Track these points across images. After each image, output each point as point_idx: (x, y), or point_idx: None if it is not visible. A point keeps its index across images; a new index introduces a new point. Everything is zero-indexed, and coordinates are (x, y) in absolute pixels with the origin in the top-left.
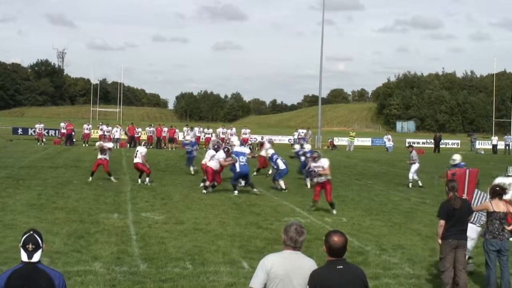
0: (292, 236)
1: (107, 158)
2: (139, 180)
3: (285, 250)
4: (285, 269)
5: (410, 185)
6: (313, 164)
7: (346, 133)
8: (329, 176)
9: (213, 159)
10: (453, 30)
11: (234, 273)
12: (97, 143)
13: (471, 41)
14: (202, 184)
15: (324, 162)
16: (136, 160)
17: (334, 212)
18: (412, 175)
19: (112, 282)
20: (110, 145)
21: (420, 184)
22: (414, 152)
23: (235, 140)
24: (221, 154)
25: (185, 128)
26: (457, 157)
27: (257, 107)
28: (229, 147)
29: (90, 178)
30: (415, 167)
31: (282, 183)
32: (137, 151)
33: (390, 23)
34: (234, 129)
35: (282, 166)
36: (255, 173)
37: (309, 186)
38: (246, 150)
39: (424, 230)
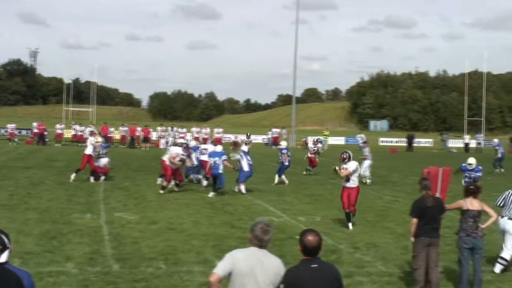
0: (257, 235)
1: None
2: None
3: (251, 247)
4: (249, 265)
5: (368, 181)
6: (343, 166)
7: (320, 132)
8: (353, 181)
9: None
10: (426, 29)
11: (207, 273)
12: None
13: (444, 40)
14: (160, 180)
15: (351, 165)
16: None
17: (350, 226)
18: (364, 171)
19: (84, 282)
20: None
21: (369, 182)
22: (367, 148)
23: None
24: (174, 150)
25: (159, 128)
26: (472, 161)
27: (231, 106)
28: (188, 144)
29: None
30: (367, 163)
31: (242, 188)
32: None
33: (363, 22)
34: (208, 129)
35: (245, 168)
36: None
37: (276, 181)
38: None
39: (397, 228)
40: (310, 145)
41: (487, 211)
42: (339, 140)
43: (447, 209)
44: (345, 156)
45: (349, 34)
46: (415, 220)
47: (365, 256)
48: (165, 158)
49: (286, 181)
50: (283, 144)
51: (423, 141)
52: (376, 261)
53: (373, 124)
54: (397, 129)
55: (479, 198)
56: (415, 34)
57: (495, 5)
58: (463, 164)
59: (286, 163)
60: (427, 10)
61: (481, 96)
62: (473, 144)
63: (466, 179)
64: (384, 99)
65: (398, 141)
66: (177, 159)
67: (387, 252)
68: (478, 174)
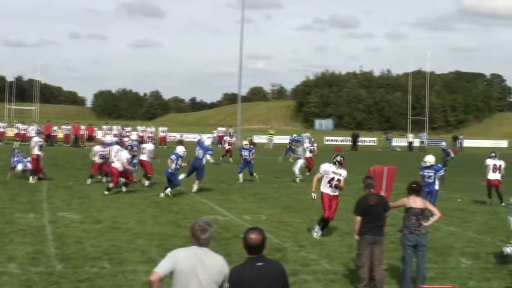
0: (194, 233)
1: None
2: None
3: (192, 246)
4: (191, 264)
5: (298, 179)
6: (333, 170)
7: (266, 131)
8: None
9: (117, 159)
10: (370, 29)
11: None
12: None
13: (388, 40)
14: (89, 180)
15: (343, 172)
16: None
17: (318, 235)
18: (296, 169)
19: (27, 283)
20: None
21: (298, 180)
22: (301, 148)
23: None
24: (124, 155)
25: (104, 127)
26: (429, 159)
27: (176, 105)
28: (133, 146)
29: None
30: (300, 162)
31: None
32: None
33: (308, 21)
34: (153, 128)
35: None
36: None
37: (241, 180)
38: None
39: (342, 226)
40: (307, 144)
41: (430, 209)
42: (285, 139)
43: (391, 207)
44: (338, 159)
45: (294, 33)
46: (358, 218)
47: (310, 254)
48: (114, 164)
49: (242, 180)
50: (244, 142)
51: (367, 140)
52: (321, 259)
53: (318, 123)
54: (342, 128)
55: (422, 196)
56: (359, 34)
57: (437, 6)
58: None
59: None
60: (371, 10)
61: (425, 96)
62: (416, 143)
63: (426, 178)
64: (329, 98)
65: (343, 140)
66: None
67: (332, 250)
68: (441, 172)
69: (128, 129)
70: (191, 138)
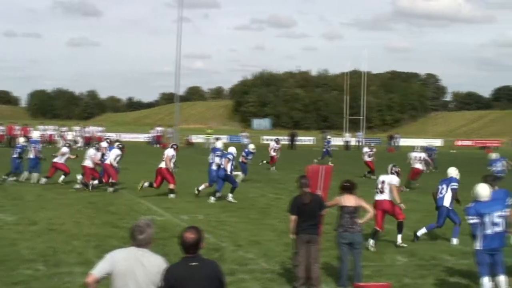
0: (132, 234)
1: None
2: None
3: (131, 247)
4: (129, 265)
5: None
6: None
7: (203, 131)
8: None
9: (88, 158)
10: (306, 29)
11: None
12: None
13: (324, 40)
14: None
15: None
16: None
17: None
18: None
19: None
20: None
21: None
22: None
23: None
24: (92, 152)
25: (40, 127)
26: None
27: (113, 104)
28: (98, 145)
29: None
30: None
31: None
32: None
33: (246, 21)
34: (91, 127)
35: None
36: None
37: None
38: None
39: (279, 225)
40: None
41: (364, 207)
42: (223, 139)
43: (327, 206)
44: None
45: (232, 32)
46: (293, 217)
47: (247, 254)
48: (87, 163)
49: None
50: (218, 144)
51: (305, 139)
52: (258, 258)
53: (256, 122)
54: (280, 127)
55: (356, 194)
56: (296, 34)
57: (372, 6)
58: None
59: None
60: (306, 10)
61: (361, 95)
62: (353, 142)
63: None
64: (267, 97)
65: (281, 139)
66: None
67: (269, 249)
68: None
69: (65, 128)
70: (128, 138)
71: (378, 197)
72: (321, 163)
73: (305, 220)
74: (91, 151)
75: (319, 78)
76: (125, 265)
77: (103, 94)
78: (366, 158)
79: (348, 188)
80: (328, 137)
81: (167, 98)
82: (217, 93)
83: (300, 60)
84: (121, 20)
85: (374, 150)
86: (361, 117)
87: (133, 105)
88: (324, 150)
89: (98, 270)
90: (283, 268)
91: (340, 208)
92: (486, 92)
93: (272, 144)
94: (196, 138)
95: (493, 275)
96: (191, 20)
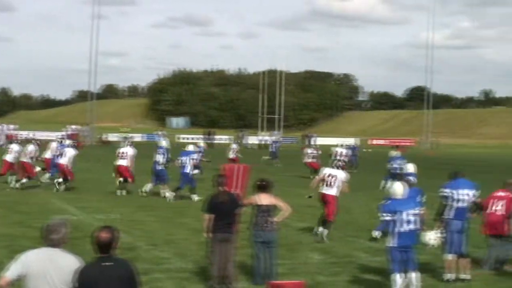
0: (44, 234)
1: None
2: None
3: (44, 247)
4: (43, 266)
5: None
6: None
7: (119, 129)
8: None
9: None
10: (223, 28)
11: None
12: None
13: (241, 39)
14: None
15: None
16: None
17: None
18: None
19: None
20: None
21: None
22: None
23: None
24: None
25: None
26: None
27: (26, 102)
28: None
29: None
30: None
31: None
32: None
33: (163, 19)
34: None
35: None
36: None
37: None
38: None
39: (194, 224)
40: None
41: (279, 206)
42: (138, 137)
43: (243, 205)
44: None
45: (148, 30)
46: (208, 216)
47: (162, 253)
48: (25, 159)
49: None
50: (191, 147)
51: (222, 138)
52: (173, 258)
53: (172, 121)
54: (197, 126)
55: (272, 193)
56: (213, 32)
57: (289, 6)
58: None
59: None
60: (223, 9)
61: (278, 94)
62: (269, 141)
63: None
64: (184, 96)
65: (198, 138)
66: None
67: (184, 248)
68: None
69: None
70: (42, 136)
71: (325, 190)
72: (270, 163)
73: (221, 219)
74: (31, 147)
75: (236, 77)
76: (38, 266)
77: (16, 91)
78: (308, 159)
79: (263, 187)
80: (274, 138)
81: (82, 96)
82: (133, 91)
83: (217, 59)
84: (35, 15)
85: (320, 152)
86: (278, 116)
87: (46, 103)
88: (272, 150)
89: (11, 272)
90: (198, 267)
91: (255, 207)
92: (399, 92)
93: (234, 146)
94: (112, 137)
95: (405, 272)
96: (107, 17)
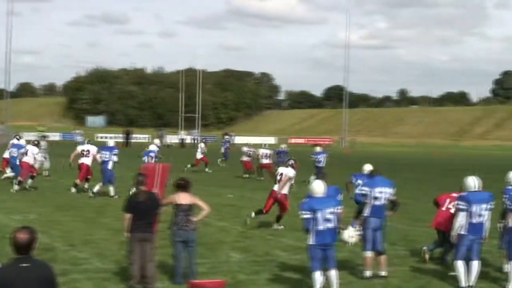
0: None
1: None
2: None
3: None
4: None
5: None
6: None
7: (35, 128)
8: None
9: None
10: (141, 26)
11: None
12: None
13: (160, 37)
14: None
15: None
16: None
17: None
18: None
19: None
20: None
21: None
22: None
23: None
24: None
25: None
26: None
27: None
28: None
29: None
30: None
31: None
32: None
33: (79, 17)
34: None
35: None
36: None
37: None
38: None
39: (114, 224)
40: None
41: (199, 205)
42: (55, 136)
43: (163, 205)
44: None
45: (64, 28)
46: (128, 216)
47: (81, 253)
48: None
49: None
50: (153, 147)
51: (140, 137)
52: (92, 258)
53: (90, 119)
54: (115, 125)
55: (191, 192)
56: (131, 30)
57: (207, 4)
58: None
59: None
60: (141, 7)
61: (197, 93)
62: (189, 139)
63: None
64: (101, 94)
65: (116, 136)
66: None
67: (104, 248)
68: None
69: None
70: None
71: (275, 187)
72: (225, 163)
73: (140, 218)
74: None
75: (155, 75)
76: None
77: None
78: (244, 158)
79: (182, 186)
80: (226, 137)
81: None
82: (50, 89)
83: (135, 57)
84: None
85: (255, 151)
86: (197, 115)
87: None
88: (223, 151)
89: None
90: (118, 267)
91: (175, 206)
92: (318, 91)
93: (202, 145)
94: (28, 136)
95: (324, 269)
96: (21, 14)
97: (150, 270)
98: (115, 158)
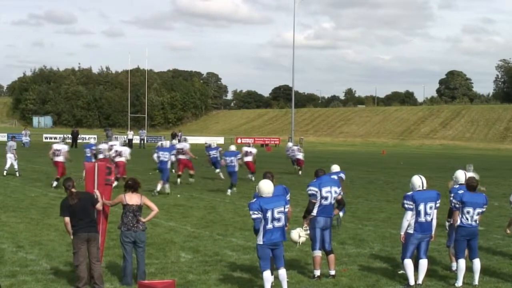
0: None
1: None
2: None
3: None
4: None
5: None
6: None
7: None
8: None
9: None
10: (87, 26)
11: None
12: None
13: (106, 37)
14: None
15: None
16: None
17: None
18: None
19: None
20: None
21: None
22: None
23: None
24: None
25: None
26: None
27: None
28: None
29: None
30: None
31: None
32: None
33: (23, 16)
34: None
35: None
36: None
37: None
38: None
39: (61, 225)
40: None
41: (148, 205)
42: (2, 137)
43: (111, 205)
44: None
45: (8, 27)
46: (67, 219)
47: (29, 255)
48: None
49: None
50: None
51: (87, 137)
52: (40, 259)
53: (36, 120)
54: (62, 125)
55: (141, 193)
56: (76, 30)
57: (152, 4)
58: None
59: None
60: (86, 6)
61: (144, 93)
62: (136, 140)
63: None
64: (48, 95)
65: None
66: None
67: (52, 249)
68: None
69: None
70: None
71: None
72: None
73: (80, 218)
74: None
75: (101, 75)
76: None
77: None
78: (247, 158)
79: (131, 186)
80: (214, 145)
81: None
82: None
83: (81, 57)
84: None
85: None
86: (144, 115)
87: None
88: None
89: None
90: (66, 268)
91: (124, 207)
92: (266, 91)
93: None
94: None
95: (274, 269)
96: None
97: (97, 270)
98: (173, 158)
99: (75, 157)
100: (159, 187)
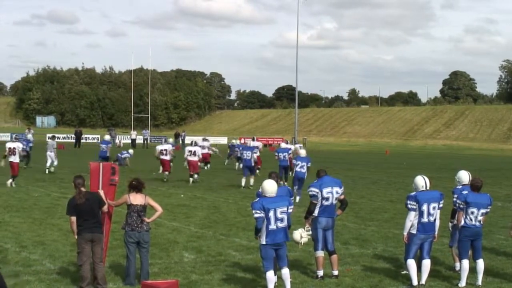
0: None
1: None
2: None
3: None
4: None
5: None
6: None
7: None
8: None
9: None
10: (89, 26)
11: None
12: None
13: (108, 37)
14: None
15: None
16: None
17: None
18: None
19: None
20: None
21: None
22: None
23: None
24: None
25: None
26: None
27: None
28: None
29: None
30: None
31: None
32: None
33: (26, 16)
34: None
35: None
36: None
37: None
38: None
39: (65, 225)
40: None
41: (152, 205)
42: (5, 137)
43: (115, 205)
44: None
45: (10, 27)
46: (73, 219)
47: (32, 255)
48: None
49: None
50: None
51: (91, 137)
52: (43, 259)
53: (40, 120)
54: (65, 125)
55: (145, 193)
56: (79, 30)
57: (155, 5)
58: None
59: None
60: (89, 7)
61: (147, 93)
62: (140, 139)
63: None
64: (51, 94)
65: (66, 137)
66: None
67: (55, 249)
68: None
69: None
70: None
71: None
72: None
73: (86, 219)
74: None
75: (104, 75)
76: None
77: None
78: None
79: (136, 186)
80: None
81: None
82: None
83: (84, 57)
84: None
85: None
86: (148, 115)
87: None
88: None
89: None
90: (69, 268)
91: (128, 207)
92: (269, 91)
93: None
94: None
95: (277, 269)
96: None
97: (100, 271)
98: (255, 156)
99: (78, 156)
100: None
